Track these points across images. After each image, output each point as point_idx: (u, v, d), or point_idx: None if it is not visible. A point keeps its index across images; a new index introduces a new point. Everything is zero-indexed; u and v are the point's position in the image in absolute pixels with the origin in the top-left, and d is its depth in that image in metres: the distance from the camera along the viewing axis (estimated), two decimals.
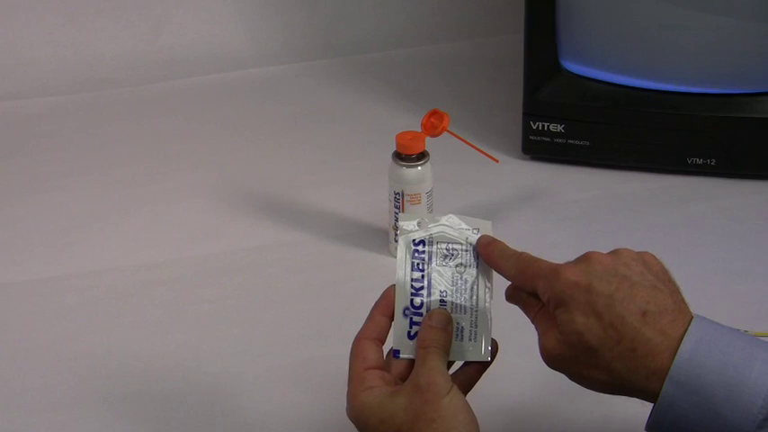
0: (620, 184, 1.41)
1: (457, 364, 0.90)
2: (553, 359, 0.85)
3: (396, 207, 1.26)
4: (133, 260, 1.31)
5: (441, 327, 0.89)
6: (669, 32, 1.35)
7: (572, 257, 0.87)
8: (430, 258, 0.92)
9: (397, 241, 1.27)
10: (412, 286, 0.91)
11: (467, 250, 0.93)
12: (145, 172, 1.48)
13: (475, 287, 0.91)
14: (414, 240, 0.93)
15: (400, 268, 0.92)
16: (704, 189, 1.39)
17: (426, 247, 0.93)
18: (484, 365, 0.90)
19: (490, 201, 1.38)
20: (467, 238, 0.93)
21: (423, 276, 0.92)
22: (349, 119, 1.60)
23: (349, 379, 0.88)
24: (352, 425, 1.03)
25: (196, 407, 1.09)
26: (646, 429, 0.84)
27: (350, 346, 1.14)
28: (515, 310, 0.90)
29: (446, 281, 0.92)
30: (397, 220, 1.27)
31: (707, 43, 1.34)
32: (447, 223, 0.94)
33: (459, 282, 0.92)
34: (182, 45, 1.73)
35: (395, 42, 1.77)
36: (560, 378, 0.86)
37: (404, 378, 0.87)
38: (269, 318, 1.21)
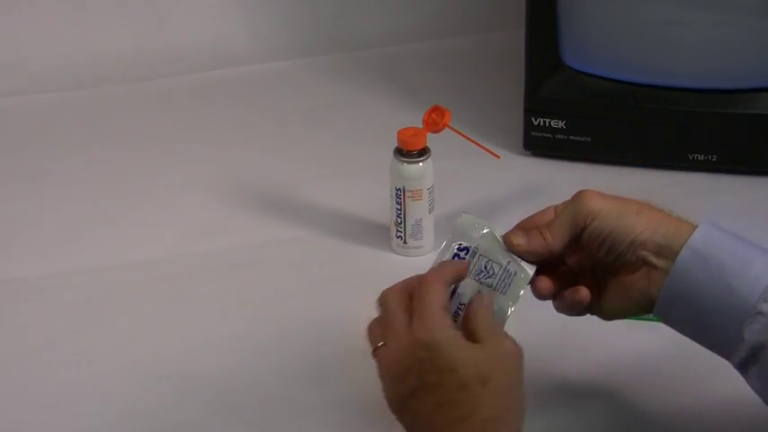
0: (621, 180, 1.41)
1: None
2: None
3: (397, 203, 1.26)
4: (134, 257, 1.31)
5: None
6: (670, 29, 1.35)
7: None
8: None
9: (398, 237, 1.28)
10: None
11: (503, 276, 0.92)
12: (146, 168, 1.48)
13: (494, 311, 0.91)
14: (459, 245, 0.93)
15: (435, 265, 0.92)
16: (705, 185, 1.39)
17: (467, 256, 0.92)
18: None
19: (491, 197, 1.38)
20: (508, 263, 0.92)
21: None
22: (350, 115, 1.60)
23: (425, 311, 0.87)
24: (353, 420, 1.04)
25: (197, 403, 1.09)
26: (655, 311, 0.89)
27: (350, 342, 1.15)
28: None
29: (469, 294, 0.91)
30: (398, 216, 1.27)
31: (708, 39, 1.34)
32: (500, 240, 0.93)
33: None
34: (183, 41, 1.73)
35: (397, 38, 1.77)
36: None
37: None
38: (270, 314, 1.21)
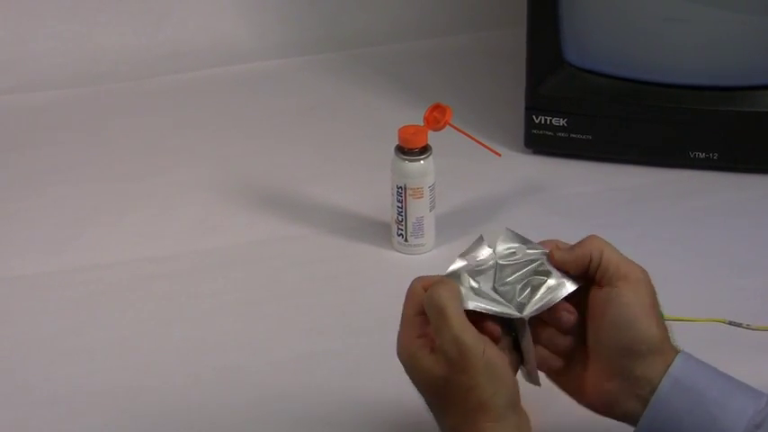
0: (622, 177, 1.41)
1: None
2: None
3: (398, 201, 1.26)
4: (135, 254, 1.31)
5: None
6: (672, 26, 1.34)
7: None
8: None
9: (399, 234, 1.28)
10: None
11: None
12: (147, 166, 1.48)
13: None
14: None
15: None
16: (706, 183, 1.39)
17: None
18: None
19: (492, 194, 1.38)
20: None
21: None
22: (351, 113, 1.60)
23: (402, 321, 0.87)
24: (354, 421, 1.04)
25: (197, 401, 1.09)
26: None
27: (351, 339, 1.15)
28: None
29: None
30: (399, 213, 1.27)
31: (710, 37, 1.34)
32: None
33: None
34: (183, 38, 1.73)
35: (397, 36, 1.77)
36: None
37: None
38: (271, 312, 1.21)
